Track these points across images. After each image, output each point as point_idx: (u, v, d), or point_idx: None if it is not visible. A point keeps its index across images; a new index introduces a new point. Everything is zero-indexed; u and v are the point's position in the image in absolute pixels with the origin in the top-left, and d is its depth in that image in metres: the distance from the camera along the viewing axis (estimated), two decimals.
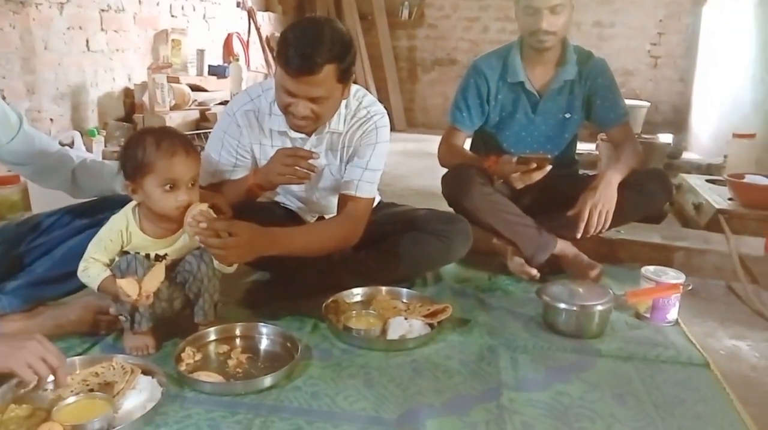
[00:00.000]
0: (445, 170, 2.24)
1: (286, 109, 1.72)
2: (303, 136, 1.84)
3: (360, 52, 5.94)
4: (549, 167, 2.00)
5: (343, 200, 1.87)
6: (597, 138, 4.05)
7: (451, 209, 2.16)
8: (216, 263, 1.59)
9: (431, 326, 1.72)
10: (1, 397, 1.31)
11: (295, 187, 1.98)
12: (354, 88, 1.85)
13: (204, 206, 1.53)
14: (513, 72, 2.24)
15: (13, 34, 2.89)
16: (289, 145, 1.85)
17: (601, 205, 2.00)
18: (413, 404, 1.38)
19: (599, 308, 1.74)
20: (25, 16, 2.94)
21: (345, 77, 1.67)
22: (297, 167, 1.73)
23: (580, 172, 2.56)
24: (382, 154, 1.89)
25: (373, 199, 1.92)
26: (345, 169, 1.90)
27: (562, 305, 1.75)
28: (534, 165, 1.99)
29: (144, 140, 1.51)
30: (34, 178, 1.83)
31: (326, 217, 2.06)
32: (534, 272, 2.09)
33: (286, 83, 1.64)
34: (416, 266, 2.02)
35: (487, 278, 2.17)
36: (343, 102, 1.81)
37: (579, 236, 2.03)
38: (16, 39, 2.91)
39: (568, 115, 2.31)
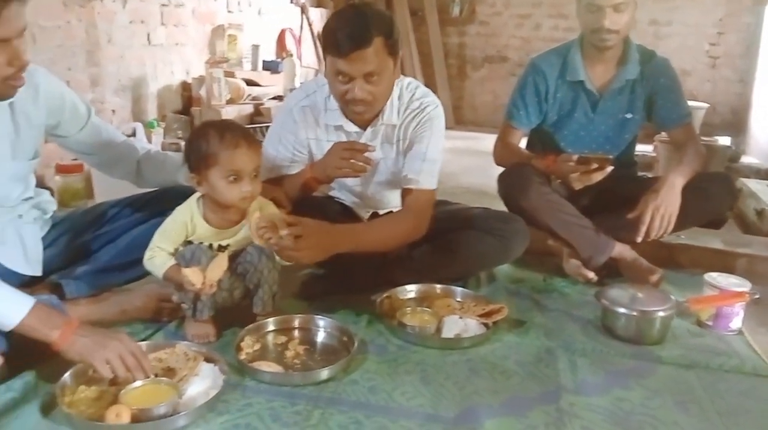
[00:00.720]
0: (499, 169, 2.22)
1: (343, 98, 1.74)
2: (358, 129, 1.85)
3: (410, 48, 5.92)
4: (610, 168, 1.97)
5: (405, 195, 1.87)
6: (654, 139, 3.95)
7: (505, 208, 2.14)
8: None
9: (486, 325, 1.71)
10: (71, 378, 1.36)
11: (350, 182, 1.99)
12: (406, 80, 1.88)
13: (272, 208, 1.59)
14: (573, 70, 2.20)
15: (79, 27, 2.99)
16: (344, 139, 1.86)
17: (663, 208, 1.95)
18: (471, 403, 1.38)
19: (661, 314, 1.70)
20: (90, 9, 3.03)
21: (394, 50, 1.70)
22: (353, 160, 1.74)
23: (639, 173, 2.50)
24: (439, 144, 1.88)
25: (435, 190, 1.91)
26: (402, 163, 1.90)
27: (622, 310, 1.71)
28: (594, 165, 1.96)
29: (207, 133, 1.54)
30: (100, 168, 1.88)
31: (380, 212, 2.07)
32: (591, 274, 2.05)
33: (339, 66, 1.67)
34: (472, 265, 2.01)
35: (542, 279, 2.14)
36: (396, 94, 1.82)
37: (639, 239, 1.98)
38: (82, 32, 3.00)
39: (628, 116, 2.26)
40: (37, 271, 1.64)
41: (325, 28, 1.70)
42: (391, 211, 2.09)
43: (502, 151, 2.30)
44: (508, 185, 2.11)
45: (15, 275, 1.61)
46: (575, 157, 1.99)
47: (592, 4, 2.06)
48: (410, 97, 1.87)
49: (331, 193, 2.10)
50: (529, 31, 6.19)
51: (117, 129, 2.42)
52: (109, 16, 3.16)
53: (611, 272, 2.10)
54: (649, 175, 3.10)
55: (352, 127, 1.85)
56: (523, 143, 2.40)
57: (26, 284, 1.65)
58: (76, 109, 1.70)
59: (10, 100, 1.48)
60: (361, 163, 1.75)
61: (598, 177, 1.98)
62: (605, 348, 1.67)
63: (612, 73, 2.21)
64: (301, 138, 1.90)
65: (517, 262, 2.14)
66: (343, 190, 2.07)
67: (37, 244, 1.67)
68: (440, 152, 1.90)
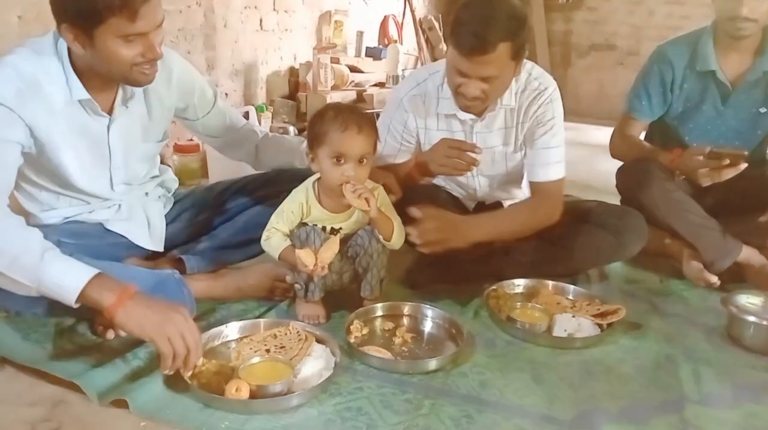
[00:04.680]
0: (611, 162, 2.12)
1: (456, 90, 1.70)
2: (473, 117, 1.80)
3: None
4: (744, 165, 1.82)
5: (535, 187, 1.84)
6: None
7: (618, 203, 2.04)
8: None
9: (600, 326, 1.63)
10: None
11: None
12: None
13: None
14: (703, 60, 2.06)
15: (199, 11, 3.10)
16: (458, 127, 1.83)
17: None
18: (587, 407, 1.32)
19: None
20: None
21: (518, 54, 1.62)
22: (458, 159, 1.71)
23: None
24: (561, 129, 1.83)
25: (564, 177, 1.85)
26: (522, 150, 1.85)
27: (752, 319, 1.60)
28: (727, 161, 1.82)
29: (326, 113, 1.57)
30: (222, 150, 1.94)
31: (487, 203, 2.03)
32: (714, 279, 1.92)
33: (458, 64, 1.62)
34: (584, 261, 1.92)
35: (659, 280, 2.03)
36: None
37: None
38: (201, 17, 3.12)
39: (763, 110, 2.09)
40: (159, 247, 1.73)
41: (455, 15, 1.61)
42: (498, 202, 2.04)
43: (621, 144, 2.19)
44: (628, 179, 2.00)
45: (139, 249, 1.71)
46: (707, 150, 1.85)
47: None
48: (527, 77, 1.80)
49: (435, 181, 2.07)
50: (640, 18, 5.88)
51: None
52: (226, 1, 3.26)
53: (735, 277, 1.96)
54: None
55: (466, 116, 1.80)
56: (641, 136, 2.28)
57: (149, 258, 1.75)
58: (204, 94, 1.75)
59: None
60: (465, 163, 1.72)
61: (729, 174, 1.84)
62: (732, 358, 1.56)
63: (747, 63, 2.05)
64: (410, 127, 1.89)
65: (632, 261, 2.05)
66: (449, 181, 2.04)
67: (161, 221, 1.75)
68: (563, 136, 1.84)
